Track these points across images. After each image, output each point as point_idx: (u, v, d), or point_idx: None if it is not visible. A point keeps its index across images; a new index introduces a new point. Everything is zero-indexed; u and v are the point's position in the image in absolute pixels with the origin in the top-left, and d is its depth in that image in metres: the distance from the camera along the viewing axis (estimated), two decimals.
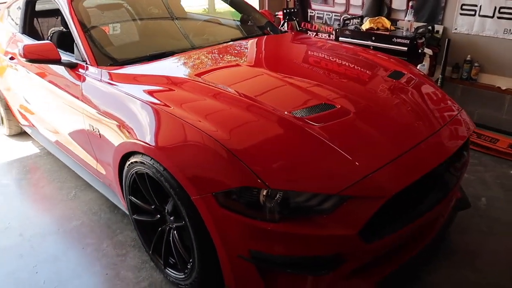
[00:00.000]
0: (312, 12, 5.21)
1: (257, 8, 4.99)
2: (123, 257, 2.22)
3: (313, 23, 5.24)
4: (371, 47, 3.89)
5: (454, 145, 1.84)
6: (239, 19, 3.27)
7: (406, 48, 3.73)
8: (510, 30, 3.54)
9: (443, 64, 3.83)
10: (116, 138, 1.99)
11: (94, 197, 2.77)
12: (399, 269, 1.74)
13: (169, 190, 1.67)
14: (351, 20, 4.52)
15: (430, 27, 3.94)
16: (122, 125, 1.93)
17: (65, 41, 2.57)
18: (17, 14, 3.19)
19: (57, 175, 3.08)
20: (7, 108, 3.52)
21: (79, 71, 2.29)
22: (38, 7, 3.26)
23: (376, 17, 4.21)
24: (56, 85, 2.49)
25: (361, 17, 4.49)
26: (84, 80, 2.24)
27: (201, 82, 2.04)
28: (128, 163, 1.91)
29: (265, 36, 2.98)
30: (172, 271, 1.96)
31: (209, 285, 1.81)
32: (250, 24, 3.18)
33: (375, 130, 1.74)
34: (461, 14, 3.82)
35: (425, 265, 2.09)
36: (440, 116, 1.97)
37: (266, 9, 5.24)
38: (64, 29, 2.78)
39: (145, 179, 1.85)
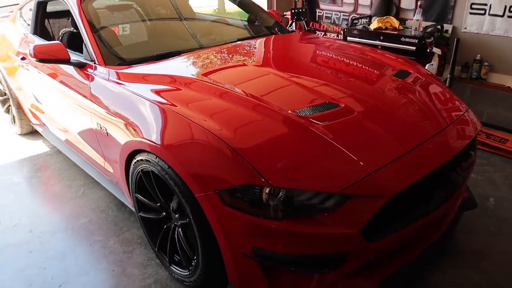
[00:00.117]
0: (321, 12, 5.21)
1: (265, 8, 5.01)
2: (130, 254, 2.25)
3: (321, 23, 5.23)
4: (379, 47, 3.88)
5: (459, 144, 1.83)
6: (246, 19, 3.28)
7: (414, 48, 3.71)
8: None
9: (451, 63, 3.80)
10: (122, 136, 2.02)
11: (102, 195, 2.81)
12: (403, 268, 1.74)
13: (174, 187, 1.69)
14: (360, 20, 4.51)
15: (439, 27, 3.91)
16: (128, 124, 1.96)
17: (75, 42, 2.61)
18: (29, 15, 3.26)
19: (67, 173, 3.13)
20: (19, 107, 3.58)
21: (87, 71, 2.33)
22: (50, 8, 3.32)
23: (385, 17, 4.20)
24: (66, 85, 2.53)
25: (370, 17, 4.48)
26: (92, 79, 2.28)
27: (207, 82, 2.06)
28: (134, 161, 1.94)
29: (273, 36, 2.99)
30: (177, 268, 1.99)
31: (213, 282, 1.83)
32: (257, 24, 3.20)
33: (379, 129, 1.74)
34: (470, 13, 3.79)
35: (430, 264, 2.08)
36: (445, 115, 1.96)
37: (274, 9, 5.25)
38: (74, 30, 2.83)
39: (150, 177, 1.87)
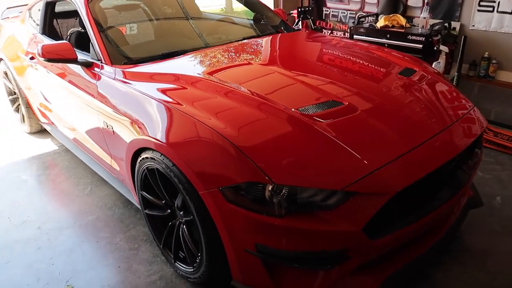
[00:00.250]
0: (327, 10, 5.20)
1: (272, 7, 5.01)
2: (135, 251, 2.28)
3: (328, 21, 5.22)
4: (386, 45, 3.86)
5: (464, 142, 1.82)
6: (252, 18, 3.29)
7: (421, 46, 3.69)
8: None
9: (459, 61, 3.77)
10: (128, 134, 2.04)
11: (109, 193, 2.84)
12: (407, 266, 1.74)
13: (178, 185, 1.71)
14: (366, 18, 4.49)
15: (446, 24, 3.88)
16: (134, 122, 1.98)
17: (82, 41, 2.64)
18: (38, 15, 3.30)
19: (74, 171, 3.17)
20: (28, 106, 3.64)
21: (94, 70, 2.36)
22: (58, 8, 3.36)
23: (392, 15, 4.18)
24: (73, 84, 2.57)
25: (376, 15, 4.46)
26: (99, 78, 2.31)
27: (213, 81, 2.07)
28: (139, 159, 1.96)
29: (278, 35, 3.00)
30: (182, 264, 2.01)
31: (217, 279, 1.84)
32: (263, 23, 3.20)
33: (382, 127, 1.74)
34: (478, 10, 3.75)
35: (435, 263, 2.07)
36: (450, 113, 1.95)
37: (281, 7, 5.24)
38: (82, 30, 2.87)
39: (155, 175, 1.89)
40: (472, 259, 2.11)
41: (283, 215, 1.50)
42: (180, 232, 1.94)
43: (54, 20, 3.45)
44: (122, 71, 2.23)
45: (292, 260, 1.59)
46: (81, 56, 2.44)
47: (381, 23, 4.13)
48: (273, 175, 1.48)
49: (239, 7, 4.21)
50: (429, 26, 3.81)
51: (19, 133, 3.93)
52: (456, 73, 3.81)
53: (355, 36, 4.27)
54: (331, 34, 5.15)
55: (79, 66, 2.45)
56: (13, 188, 3.00)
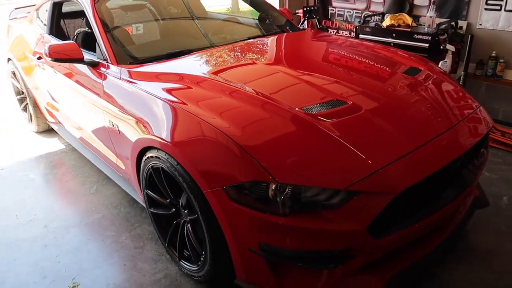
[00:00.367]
0: (333, 10, 5.18)
1: (277, 6, 5.01)
2: (141, 249, 2.30)
3: (334, 20, 5.20)
4: (392, 44, 3.84)
5: (469, 142, 1.81)
6: (257, 18, 3.30)
7: (427, 45, 3.66)
8: None
9: (465, 60, 3.74)
10: (134, 134, 2.06)
11: (115, 192, 2.86)
12: (411, 266, 1.73)
13: (182, 184, 1.72)
14: (372, 17, 4.47)
15: (453, 23, 3.85)
16: (139, 121, 2.00)
17: (89, 41, 2.67)
18: (45, 16, 3.33)
19: (81, 170, 3.20)
20: (35, 106, 3.67)
21: (100, 70, 2.38)
22: (65, 9, 3.39)
23: (398, 14, 4.15)
24: (80, 83, 2.59)
25: (382, 14, 4.43)
26: (105, 78, 2.33)
27: (218, 80, 2.08)
28: (144, 158, 1.97)
29: (284, 34, 3.00)
30: (186, 263, 2.02)
31: (221, 277, 1.85)
32: (268, 23, 3.21)
33: (387, 126, 1.74)
34: (486, 9, 3.72)
35: (440, 262, 2.06)
36: (456, 112, 1.94)
37: (286, 7, 5.24)
38: (88, 30, 2.89)
39: (160, 174, 1.91)
40: (478, 259, 2.10)
41: (287, 214, 1.50)
42: (185, 231, 1.95)
43: (61, 20, 3.48)
44: (128, 70, 2.25)
45: (296, 259, 1.59)
46: (87, 56, 2.46)
47: (387, 22, 4.11)
48: (277, 174, 1.48)
49: (245, 7, 4.21)
50: (435, 25, 3.78)
51: (27, 132, 3.97)
52: (463, 72, 3.77)
53: (361, 36, 4.25)
54: (337, 34, 5.14)
55: (86, 66, 2.48)
56: (20, 187, 3.04)
